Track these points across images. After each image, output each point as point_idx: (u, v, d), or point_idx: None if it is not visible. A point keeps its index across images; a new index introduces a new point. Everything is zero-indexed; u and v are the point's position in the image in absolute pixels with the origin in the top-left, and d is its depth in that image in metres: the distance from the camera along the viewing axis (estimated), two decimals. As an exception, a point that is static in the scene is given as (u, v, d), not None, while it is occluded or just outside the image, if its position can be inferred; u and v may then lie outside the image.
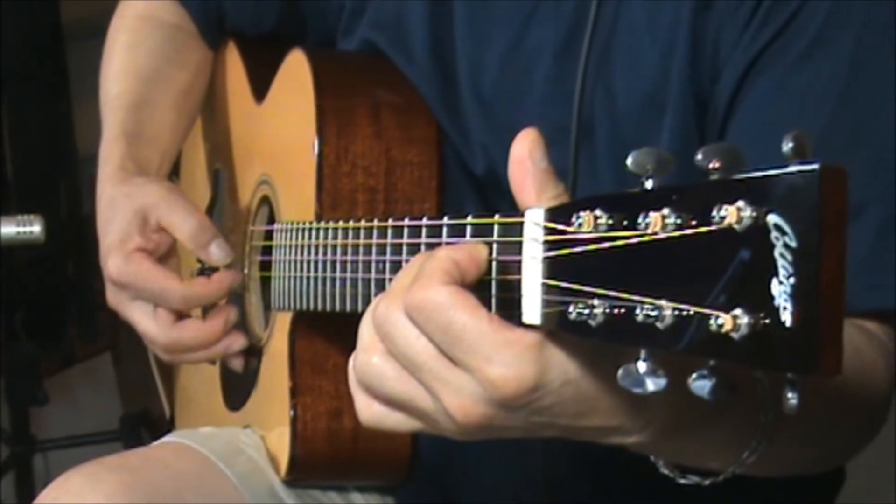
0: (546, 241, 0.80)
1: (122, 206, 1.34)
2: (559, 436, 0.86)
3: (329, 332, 1.30)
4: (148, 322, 1.32)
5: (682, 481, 0.94)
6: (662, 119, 1.16)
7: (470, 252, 0.84)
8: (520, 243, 0.82)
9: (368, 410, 0.88)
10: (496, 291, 0.84)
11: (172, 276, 1.31)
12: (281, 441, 1.31)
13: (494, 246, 0.85)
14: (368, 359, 0.85)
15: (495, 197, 1.27)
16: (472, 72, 1.28)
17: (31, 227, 1.64)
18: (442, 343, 0.81)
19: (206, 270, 1.53)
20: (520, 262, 0.82)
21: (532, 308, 0.81)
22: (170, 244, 1.35)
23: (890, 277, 1.08)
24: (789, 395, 0.69)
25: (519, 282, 0.82)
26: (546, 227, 0.80)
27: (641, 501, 1.31)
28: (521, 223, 0.82)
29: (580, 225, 0.77)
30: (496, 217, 0.86)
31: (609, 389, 0.82)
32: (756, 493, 1.15)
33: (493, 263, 0.85)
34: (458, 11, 1.29)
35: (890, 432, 1.17)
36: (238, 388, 1.46)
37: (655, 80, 1.17)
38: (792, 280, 0.65)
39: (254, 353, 1.42)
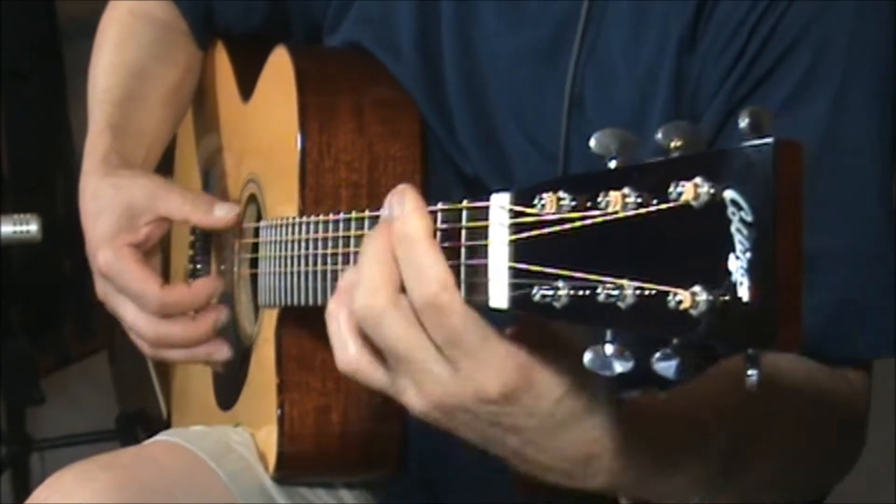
0: (512, 225, 0.80)
1: (111, 198, 1.34)
2: (508, 455, 0.90)
3: (316, 329, 1.28)
4: (135, 315, 1.32)
5: None
6: None
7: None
8: (486, 228, 0.82)
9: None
10: (464, 277, 0.84)
11: (154, 279, 1.30)
12: (269, 438, 1.31)
13: (463, 232, 0.85)
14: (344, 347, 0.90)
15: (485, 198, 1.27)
16: (457, 74, 1.28)
17: (28, 226, 1.64)
18: (443, 342, 0.84)
19: (198, 272, 1.53)
20: (486, 246, 0.82)
21: (499, 292, 0.81)
22: (158, 237, 1.35)
23: (862, 328, 1.10)
24: (749, 371, 0.69)
25: (486, 266, 0.82)
26: (511, 210, 0.80)
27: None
28: (487, 207, 0.82)
29: (543, 206, 0.77)
30: (464, 203, 0.86)
31: (572, 426, 0.86)
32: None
33: (462, 249, 0.85)
34: (444, 11, 1.29)
35: (890, 432, 1.17)
36: (229, 386, 1.46)
37: (633, 111, 1.17)
38: (748, 255, 0.66)
39: (243, 352, 1.42)
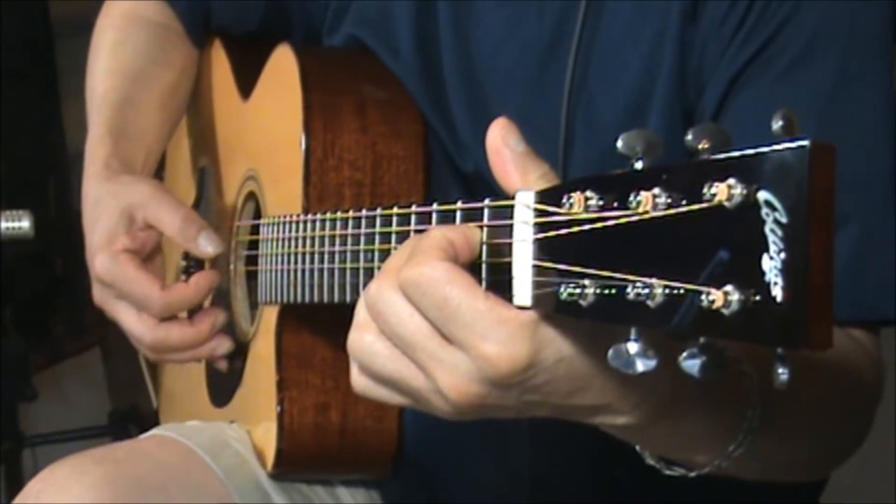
0: (536, 223, 0.81)
1: (109, 204, 1.35)
2: (551, 415, 0.86)
3: (316, 327, 1.30)
4: (133, 321, 1.33)
5: (668, 472, 0.95)
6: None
7: (464, 233, 0.85)
8: (510, 226, 0.83)
9: (360, 382, 0.89)
10: (486, 275, 0.85)
11: (154, 282, 1.31)
12: (267, 435, 1.31)
13: (485, 230, 0.86)
14: (361, 336, 0.86)
15: (484, 194, 1.27)
16: (456, 71, 1.29)
17: (20, 223, 1.63)
18: (436, 320, 0.81)
19: (191, 268, 1.53)
20: (510, 244, 0.83)
21: (523, 290, 0.81)
22: (155, 242, 1.35)
23: (871, 291, 1.09)
24: (780, 370, 0.69)
25: (510, 264, 0.82)
26: (536, 209, 0.81)
27: (626, 500, 1.31)
28: (512, 206, 0.83)
29: (570, 206, 0.77)
30: (486, 201, 0.86)
31: (602, 367, 0.82)
32: (739, 491, 1.15)
33: (484, 247, 0.85)
34: (442, 10, 1.30)
35: (890, 433, 1.16)
36: (223, 385, 1.46)
37: (638, 91, 1.17)
38: (782, 255, 0.66)
39: (240, 349, 1.42)
